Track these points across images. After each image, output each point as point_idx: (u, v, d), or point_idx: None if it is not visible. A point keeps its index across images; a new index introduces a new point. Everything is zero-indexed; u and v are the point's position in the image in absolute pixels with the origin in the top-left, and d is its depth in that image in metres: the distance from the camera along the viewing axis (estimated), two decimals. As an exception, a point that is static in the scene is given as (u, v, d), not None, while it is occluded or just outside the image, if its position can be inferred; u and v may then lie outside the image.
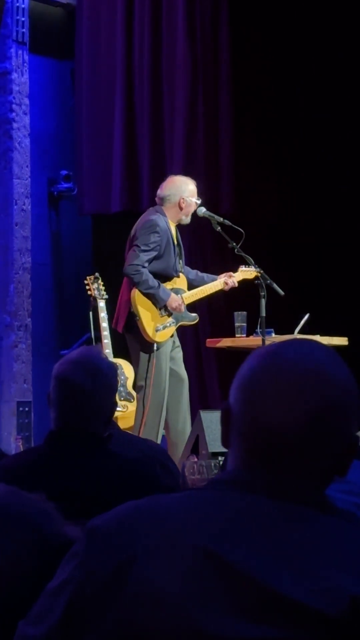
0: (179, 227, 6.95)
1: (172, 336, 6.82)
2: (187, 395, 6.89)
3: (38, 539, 1.68)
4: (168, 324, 6.75)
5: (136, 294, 6.67)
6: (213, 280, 7.03)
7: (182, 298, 6.83)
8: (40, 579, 1.59)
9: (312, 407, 1.51)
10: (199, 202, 6.88)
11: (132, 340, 6.79)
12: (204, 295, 7.02)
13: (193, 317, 6.99)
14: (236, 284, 6.98)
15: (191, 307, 7.05)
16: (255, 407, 1.54)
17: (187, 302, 6.89)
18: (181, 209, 6.84)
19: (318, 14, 8.54)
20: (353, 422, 1.55)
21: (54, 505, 1.75)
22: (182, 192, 6.84)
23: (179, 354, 6.89)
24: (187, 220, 6.90)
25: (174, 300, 6.75)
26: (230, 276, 6.98)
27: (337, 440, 1.53)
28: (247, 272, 7.03)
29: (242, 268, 7.04)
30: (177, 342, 6.92)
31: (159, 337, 6.70)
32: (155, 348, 6.69)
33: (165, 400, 6.73)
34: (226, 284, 6.97)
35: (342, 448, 1.54)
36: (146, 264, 6.67)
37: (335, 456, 1.54)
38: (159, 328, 6.71)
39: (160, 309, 6.72)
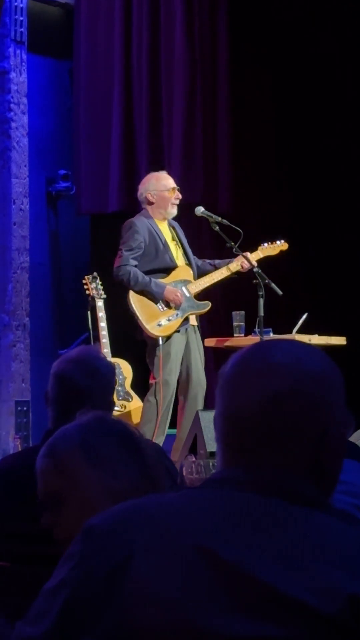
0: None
1: (184, 330, 6.76)
2: (201, 396, 6.88)
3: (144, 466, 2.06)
4: (172, 317, 6.74)
5: (130, 296, 6.70)
6: (226, 264, 6.95)
7: (180, 290, 6.79)
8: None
9: (269, 390, 1.53)
10: (173, 187, 6.87)
11: (147, 343, 6.78)
12: (213, 282, 6.96)
13: (203, 305, 6.93)
14: (254, 264, 6.80)
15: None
16: (222, 396, 1.58)
17: (195, 291, 6.87)
18: (152, 203, 6.91)
19: (317, 13, 8.54)
20: (325, 412, 1.55)
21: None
22: (146, 189, 6.95)
23: (193, 356, 6.83)
24: (167, 212, 6.90)
25: (170, 292, 6.74)
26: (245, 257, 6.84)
27: (304, 427, 1.53)
28: (269, 249, 7.02)
29: (264, 246, 7.02)
30: (190, 341, 6.84)
31: (161, 332, 6.70)
32: (160, 343, 6.68)
33: (172, 397, 6.74)
34: (242, 266, 6.89)
35: (313, 435, 1.53)
36: (133, 262, 6.69)
37: (308, 445, 1.53)
38: (161, 323, 6.71)
39: (157, 304, 6.73)
